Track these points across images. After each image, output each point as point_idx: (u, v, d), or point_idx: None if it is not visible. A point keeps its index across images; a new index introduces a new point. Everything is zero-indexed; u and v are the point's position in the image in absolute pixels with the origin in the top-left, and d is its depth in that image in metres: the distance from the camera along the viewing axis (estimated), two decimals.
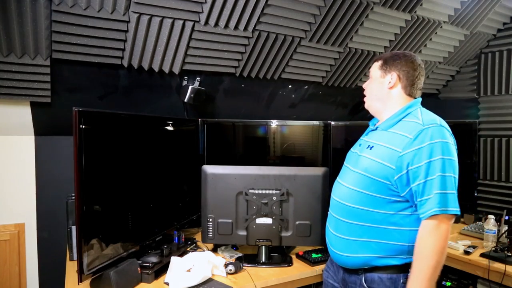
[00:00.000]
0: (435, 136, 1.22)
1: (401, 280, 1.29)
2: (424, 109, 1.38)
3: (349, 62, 2.51)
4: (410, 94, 1.39)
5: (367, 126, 1.53)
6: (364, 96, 1.49)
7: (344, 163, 1.51)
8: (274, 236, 1.80)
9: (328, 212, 1.49)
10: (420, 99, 1.41)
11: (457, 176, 1.24)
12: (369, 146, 1.38)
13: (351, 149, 1.52)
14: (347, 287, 1.40)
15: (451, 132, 1.29)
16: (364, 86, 1.50)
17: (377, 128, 1.42)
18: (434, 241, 1.19)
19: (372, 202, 1.31)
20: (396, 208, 1.29)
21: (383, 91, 1.40)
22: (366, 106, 1.49)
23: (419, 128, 1.25)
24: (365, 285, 1.33)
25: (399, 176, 1.25)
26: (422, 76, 1.41)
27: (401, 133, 1.29)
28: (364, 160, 1.35)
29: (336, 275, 1.49)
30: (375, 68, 1.44)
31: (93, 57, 1.81)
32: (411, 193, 1.25)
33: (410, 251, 1.27)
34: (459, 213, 1.21)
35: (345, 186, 1.40)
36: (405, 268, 1.29)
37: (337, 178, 1.49)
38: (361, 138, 1.51)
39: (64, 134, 2.09)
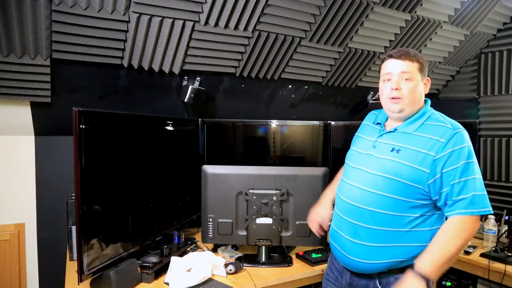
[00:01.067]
0: (465, 140, 1.26)
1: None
2: (436, 111, 1.38)
3: (349, 62, 2.51)
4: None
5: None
6: (393, 97, 1.34)
7: (350, 163, 1.45)
8: (274, 236, 1.80)
9: (335, 214, 1.44)
10: (428, 100, 1.41)
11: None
12: (393, 149, 1.31)
13: (357, 149, 1.46)
14: None
15: None
16: (400, 86, 1.32)
17: (395, 129, 1.36)
18: (460, 238, 1.20)
19: (396, 206, 1.27)
20: (421, 211, 1.28)
21: (422, 96, 1.36)
22: (401, 108, 1.33)
23: (450, 132, 1.26)
24: (379, 287, 1.31)
25: (434, 180, 1.24)
26: None
27: (431, 136, 1.27)
28: (390, 163, 1.29)
29: (338, 281, 1.45)
30: (415, 70, 1.33)
31: (93, 57, 1.81)
32: (443, 195, 1.24)
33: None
34: (491, 212, 1.24)
35: (363, 190, 1.33)
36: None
37: (346, 179, 1.42)
38: (373, 140, 1.41)
39: (64, 134, 2.09)
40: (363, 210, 1.31)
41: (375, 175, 1.31)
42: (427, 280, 1.18)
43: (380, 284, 1.30)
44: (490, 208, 1.23)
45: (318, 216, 1.63)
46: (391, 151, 1.31)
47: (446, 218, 1.27)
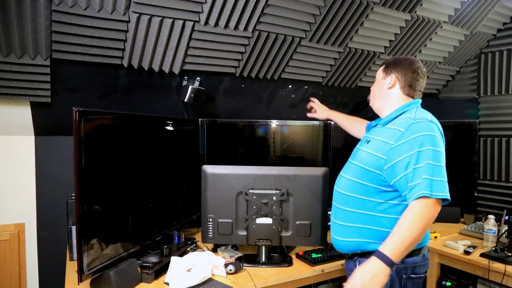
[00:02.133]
0: (424, 129, 1.33)
1: None
2: (421, 108, 1.49)
3: (349, 62, 2.51)
4: (409, 95, 1.51)
5: None
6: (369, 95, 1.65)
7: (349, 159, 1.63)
8: (274, 236, 1.80)
9: (332, 204, 1.61)
10: (419, 100, 1.53)
11: (444, 166, 1.32)
12: (367, 140, 1.51)
13: (357, 146, 1.64)
14: (347, 275, 1.55)
15: (441, 130, 1.41)
16: (371, 88, 1.65)
17: (376, 125, 1.56)
18: (417, 217, 1.26)
19: (364, 191, 1.43)
20: (385, 197, 1.40)
21: (383, 91, 1.55)
22: (370, 104, 1.64)
23: (410, 122, 1.37)
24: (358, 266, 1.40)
25: (389, 165, 1.36)
26: (422, 79, 1.52)
27: (395, 127, 1.41)
28: (361, 153, 1.49)
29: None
30: (379, 71, 1.59)
31: (93, 57, 1.81)
32: (400, 182, 1.33)
33: None
34: (447, 198, 1.28)
35: (344, 177, 1.54)
36: None
37: (340, 172, 1.61)
38: (364, 135, 1.63)
39: (64, 134, 2.09)
40: (342, 195, 1.51)
41: (353, 164, 1.51)
42: (389, 263, 1.26)
43: (359, 264, 1.40)
44: (445, 193, 1.27)
45: (324, 111, 2.15)
46: (366, 142, 1.51)
47: None
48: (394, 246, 1.26)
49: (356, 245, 1.45)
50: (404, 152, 1.32)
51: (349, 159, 1.59)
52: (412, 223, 1.26)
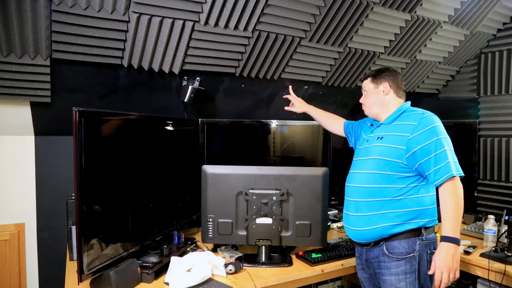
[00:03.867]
0: (434, 121, 1.56)
1: (417, 242, 1.54)
2: (415, 107, 1.67)
3: (349, 62, 2.51)
4: (400, 97, 1.71)
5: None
6: (361, 106, 1.79)
7: (354, 159, 1.76)
8: (274, 236, 1.80)
9: (345, 201, 1.71)
10: (409, 102, 1.71)
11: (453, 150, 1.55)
12: (378, 137, 1.65)
13: (358, 146, 1.79)
14: (370, 265, 1.66)
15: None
16: (361, 100, 1.79)
17: (380, 124, 1.69)
18: (456, 197, 1.48)
19: (386, 179, 1.57)
20: (406, 182, 1.56)
21: (379, 98, 1.70)
22: (367, 112, 1.77)
23: (420, 116, 1.58)
24: (387, 252, 1.57)
25: (411, 153, 1.53)
26: (403, 81, 1.73)
27: (406, 122, 1.59)
28: (376, 148, 1.62)
29: (362, 263, 1.72)
30: (368, 84, 1.74)
31: (93, 57, 1.81)
32: (423, 165, 1.52)
33: (420, 214, 1.55)
34: (463, 174, 1.51)
35: (360, 173, 1.66)
36: (418, 232, 1.55)
37: (351, 170, 1.74)
38: (366, 136, 1.75)
39: (64, 134, 2.09)
40: (361, 188, 1.62)
41: (367, 159, 1.65)
42: (456, 241, 1.46)
43: (387, 250, 1.57)
44: (462, 172, 1.51)
45: (301, 105, 2.21)
46: (377, 139, 1.65)
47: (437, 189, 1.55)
48: (452, 226, 1.46)
49: (381, 231, 1.57)
50: (423, 141, 1.51)
51: (358, 157, 1.72)
52: (454, 202, 1.47)
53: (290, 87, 2.27)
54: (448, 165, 1.48)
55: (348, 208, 1.69)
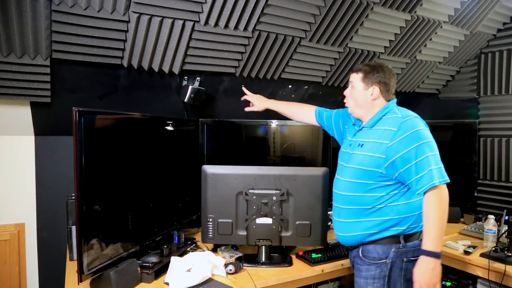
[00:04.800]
0: (414, 126, 1.47)
1: (392, 249, 1.52)
2: (399, 107, 1.61)
3: (349, 62, 2.51)
4: (388, 99, 1.62)
5: None
6: (345, 98, 1.70)
7: (339, 161, 1.71)
8: (274, 236, 1.80)
9: (333, 205, 1.70)
10: (395, 100, 1.64)
11: (438, 153, 1.47)
12: (359, 144, 1.59)
13: (342, 149, 1.74)
14: (352, 263, 1.68)
15: (424, 121, 1.54)
16: (345, 93, 1.69)
17: (362, 128, 1.63)
18: (439, 207, 1.42)
19: (365, 188, 1.54)
20: (387, 190, 1.52)
21: (367, 101, 1.61)
22: (350, 111, 1.69)
23: (399, 121, 1.50)
24: (361, 255, 1.58)
25: (390, 162, 1.48)
26: (395, 82, 1.64)
27: (385, 127, 1.53)
28: (357, 156, 1.57)
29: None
30: (357, 80, 1.62)
31: (93, 57, 1.81)
32: (404, 174, 1.47)
33: (399, 222, 1.51)
34: (448, 181, 1.44)
35: (342, 180, 1.63)
36: (395, 240, 1.52)
37: (336, 175, 1.70)
38: (350, 139, 1.69)
39: (64, 134, 2.09)
40: (344, 196, 1.61)
41: (349, 167, 1.60)
42: (437, 255, 1.41)
43: (362, 252, 1.58)
44: (447, 178, 1.44)
45: (261, 102, 2.08)
46: (358, 146, 1.60)
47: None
48: (433, 239, 1.41)
49: (360, 238, 1.56)
50: (402, 148, 1.45)
51: (341, 162, 1.68)
52: (436, 213, 1.41)
53: (243, 87, 2.14)
54: (430, 173, 1.41)
55: (334, 212, 1.69)
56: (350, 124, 1.74)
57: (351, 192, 1.57)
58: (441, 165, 1.45)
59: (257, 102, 2.09)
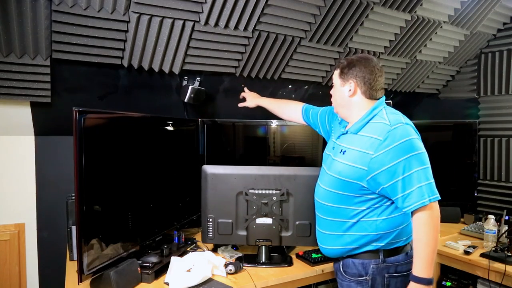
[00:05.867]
0: (403, 135, 1.32)
1: (371, 265, 1.42)
2: (389, 108, 1.46)
3: None
4: (371, 97, 1.44)
5: None
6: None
7: (322, 163, 1.62)
8: (274, 236, 1.80)
9: (315, 213, 1.61)
10: (383, 99, 1.47)
11: (429, 166, 1.32)
12: (341, 150, 1.45)
13: (326, 150, 1.61)
14: (336, 275, 1.60)
15: (415, 128, 1.40)
16: (331, 92, 1.57)
17: (347, 131, 1.48)
18: (431, 229, 1.30)
19: (345, 200, 1.43)
20: (367, 204, 1.41)
21: (345, 99, 1.48)
22: (335, 111, 1.59)
23: (387, 129, 1.33)
24: (341, 269, 1.51)
25: (373, 175, 1.34)
26: (381, 77, 1.45)
27: (370, 135, 1.37)
28: (338, 164, 1.45)
29: None
30: (336, 77, 1.51)
31: (93, 57, 1.81)
32: (388, 190, 1.34)
33: (378, 239, 1.41)
34: (439, 198, 1.31)
35: (322, 188, 1.53)
36: (375, 255, 1.42)
37: (318, 179, 1.60)
38: (334, 141, 1.56)
39: (64, 134, 2.09)
40: (323, 205, 1.51)
41: (329, 175, 1.48)
42: (427, 281, 1.30)
43: (342, 267, 1.50)
44: (437, 195, 1.30)
45: (253, 98, 2.11)
46: (340, 152, 1.46)
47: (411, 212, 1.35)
48: (424, 264, 1.30)
49: (340, 252, 1.49)
50: (388, 162, 1.31)
51: (324, 166, 1.57)
52: (427, 235, 1.30)
53: (244, 86, 2.22)
54: (420, 191, 1.27)
55: (316, 221, 1.60)
56: (336, 123, 1.62)
57: (330, 203, 1.47)
58: (432, 181, 1.31)
59: (249, 98, 2.14)
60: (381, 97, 1.47)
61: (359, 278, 1.44)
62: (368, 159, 1.34)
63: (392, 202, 1.39)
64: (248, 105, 2.14)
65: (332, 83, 1.56)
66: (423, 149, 1.33)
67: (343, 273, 1.49)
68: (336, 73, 1.50)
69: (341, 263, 1.51)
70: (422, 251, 1.30)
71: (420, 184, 1.28)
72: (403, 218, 1.43)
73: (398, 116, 1.40)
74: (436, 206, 1.31)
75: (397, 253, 1.44)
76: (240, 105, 2.17)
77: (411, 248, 1.40)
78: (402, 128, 1.34)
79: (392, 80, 2.85)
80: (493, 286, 1.93)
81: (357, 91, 1.44)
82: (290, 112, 1.96)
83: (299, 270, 1.77)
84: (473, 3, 2.36)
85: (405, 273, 1.43)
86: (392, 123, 1.35)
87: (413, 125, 1.40)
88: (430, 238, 1.29)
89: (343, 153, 1.43)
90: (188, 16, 1.82)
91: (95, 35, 1.73)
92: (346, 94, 1.46)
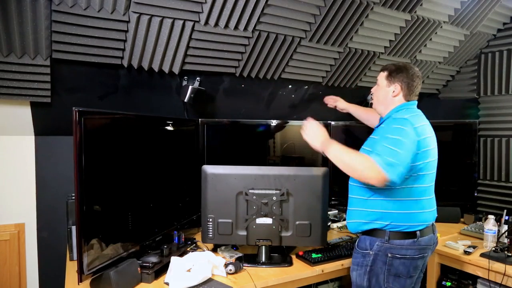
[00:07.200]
0: (395, 124, 1.55)
1: (377, 242, 1.60)
2: (413, 109, 1.67)
3: (349, 62, 2.51)
4: (408, 100, 1.70)
5: (367, 126, 1.91)
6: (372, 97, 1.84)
7: None
8: (274, 236, 1.80)
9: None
10: (413, 102, 1.71)
11: (403, 152, 1.48)
12: (366, 140, 1.71)
13: None
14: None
15: (419, 127, 1.56)
16: (372, 90, 1.82)
17: (378, 125, 1.74)
18: (356, 163, 1.52)
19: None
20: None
21: (388, 98, 1.71)
22: (374, 107, 1.82)
23: (390, 120, 1.61)
24: (357, 243, 1.71)
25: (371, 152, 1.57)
26: (419, 84, 1.71)
27: (383, 126, 1.64)
28: (360, 150, 1.69)
29: None
30: (382, 78, 1.74)
31: (93, 57, 1.81)
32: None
33: (382, 217, 1.59)
34: (390, 178, 1.45)
35: None
36: (382, 234, 1.60)
37: None
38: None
39: (64, 134, 2.09)
40: (350, 185, 1.74)
41: None
42: (325, 145, 1.62)
43: (358, 242, 1.71)
44: (392, 175, 1.44)
45: (340, 100, 2.29)
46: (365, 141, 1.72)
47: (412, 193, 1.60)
48: (335, 148, 1.58)
49: (356, 225, 1.69)
50: (376, 141, 1.58)
51: None
52: (353, 160, 1.53)
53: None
54: (379, 155, 1.48)
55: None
56: None
57: (352, 182, 1.71)
58: (396, 161, 1.45)
59: (340, 100, 2.29)
60: (413, 101, 1.70)
61: (364, 251, 1.64)
62: (373, 141, 1.62)
63: (402, 187, 1.56)
64: (339, 106, 2.28)
65: (377, 81, 1.77)
66: (405, 138, 1.49)
67: (356, 247, 1.69)
68: (383, 74, 1.73)
69: (358, 239, 1.71)
70: (342, 152, 1.56)
71: (382, 156, 1.47)
72: (413, 204, 1.59)
73: (408, 114, 1.60)
74: (378, 175, 1.45)
75: (403, 237, 1.59)
76: (330, 105, 2.31)
77: (421, 236, 1.58)
78: (399, 120, 1.56)
79: None
80: (493, 286, 1.93)
81: (400, 93, 1.68)
82: (374, 121, 2.06)
83: (299, 270, 1.77)
84: (473, 3, 2.36)
85: (409, 257, 1.58)
86: (397, 117, 1.60)
87: (415, 123, 1.55)
88: (347, 162, 1.54)
89: (365, 141, 1.70)
90: (188, 16, 1.82)
91: (95, 35, 1.73)
92: (390, 94, 1.70)
